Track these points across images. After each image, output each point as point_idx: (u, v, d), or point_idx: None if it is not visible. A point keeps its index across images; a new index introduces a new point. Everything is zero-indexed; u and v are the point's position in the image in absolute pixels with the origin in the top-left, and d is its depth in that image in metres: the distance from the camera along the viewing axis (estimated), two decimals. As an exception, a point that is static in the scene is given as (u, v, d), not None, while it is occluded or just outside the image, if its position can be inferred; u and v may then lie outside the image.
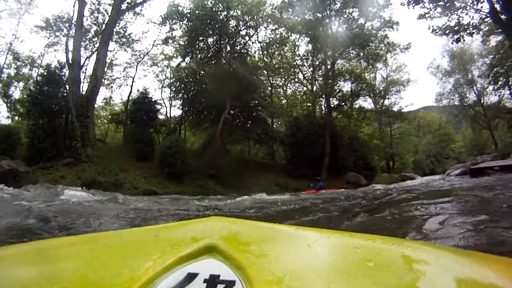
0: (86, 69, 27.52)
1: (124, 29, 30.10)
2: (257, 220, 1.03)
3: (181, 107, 31.66)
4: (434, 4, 26.71)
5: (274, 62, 36.14)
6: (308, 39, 34.70)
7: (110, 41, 27.25)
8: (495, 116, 41.59)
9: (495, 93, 41.90)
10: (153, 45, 32.29)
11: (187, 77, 28.86)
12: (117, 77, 32.67)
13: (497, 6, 22.56)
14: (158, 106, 29.33)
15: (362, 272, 0.65)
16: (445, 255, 0.77)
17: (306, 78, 36.77)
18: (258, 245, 0.80)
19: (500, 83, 38.47)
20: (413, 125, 56.91)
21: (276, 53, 35.98)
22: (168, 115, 33.85)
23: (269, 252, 0.75)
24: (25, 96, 24.24)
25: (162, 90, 34.42)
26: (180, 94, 30.86)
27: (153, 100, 27.25)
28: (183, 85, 30.15)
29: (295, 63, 36.19)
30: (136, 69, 32.42)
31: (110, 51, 28.31)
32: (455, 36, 27.28)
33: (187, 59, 30.95)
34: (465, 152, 47.03)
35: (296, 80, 37.60)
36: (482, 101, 44.72)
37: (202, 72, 27.57)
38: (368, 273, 0.65)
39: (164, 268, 0.67)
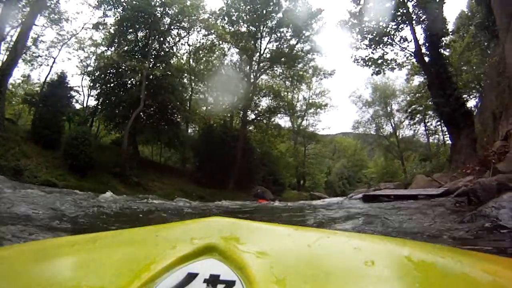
0: (11, 41, 26.15)
1: (56, 4, 29.02)
2: (257, 221, 1.08)
3: (96, 98, 31.48)
4: (362, 36, 29.73)
5: (200, 68, 36.80)
6: (237, 50, 36.37)
7: (40, 14, 26.31)
8: (408, 148, 46.79)
9: (410, 128, 47.18)
10: (82, 27, 31.69)
11: (107, 67, 28.62)
12: (39, 55, 31.23)
13: (423, 48, 25.60)
14: (74, 93, 29.03)
15: (362, 272, 0.68)
16: (445, 255, 0.78)
17: (229, 88, 37.17)
18: (258, 245, 0.81)
19: (416, 119, 43.30)
20: (330, 148, 61.70)
21: (204, 59, 36.80)
22: (84, 105, 32.97)
23: (269, 252, 0.77)
24: None
25: (83, 77, 33.59)
26: (98, 84, 30.57)
27: (69, 85, 26.86)
28: (102, 75, 30.01)
29: (221, 72, 37.27)
30: (60, 50, 31.35)
31: (37, 25, 27.28)
32: (376, 69, 30.53)
33: (113, 48, 30.54)
34: (376, 178, 50.75)
35: (219, 89, 38.10)
36: (397, 134, 49.73)
37: (124, 66, 27.48)
38: (368, 273, 0.67)
39: (164, 268, 0.69)
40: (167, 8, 30.39)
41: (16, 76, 32.25)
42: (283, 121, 47.66)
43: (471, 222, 3.97)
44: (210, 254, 0.76)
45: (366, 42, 29.71)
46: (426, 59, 25.16)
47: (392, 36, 28.66)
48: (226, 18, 35.59)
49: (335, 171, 65.49)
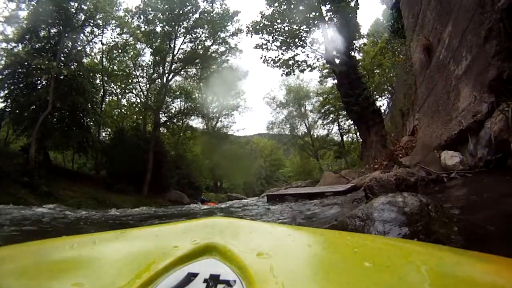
0: None
1: None
2: (257, 221, 0.94)
3: (3, 99, 29.16)
4: (273, 37, 31.37)
5: (113, 68, 36.56)
6: (151, 50, 36.66)
7: None
8: (322, 147, 49.72)
9: (324, 127, 50.43)
10: None
11: (16, 65, 27.39)
12: None
13: (334, 51, 27.44)
14: None
15: (362, 272, 0.69)
16: (445, 255, 0.80)
17: (142, 90, 38.27)
18: (258, 245, 0.81)
19: (329, 119, 46.43)
20: (246, 149, 63.25)
21: (118, 59, 36.62)
22: None
23: (269, 252, 0.77)
24: None
25: None
26: (6, 84, 28.52)
27: None
28: (11, 75, 28.24)
29: (134, 73, 37.47)
30: None
31: None
32: (286, 70, 32.30)
33: (23, 45, 29.31)
34: (294, 176, 53.01)
35: (133, 90, 38.55)
36: (311, 133, 52.76)
37: (33, 64, 26.62)
38: (368, 273, 0.68)
39: (164, 268, 0.71)
40: (82, 3, 29.97)
41: None
42: (197, 122, 49.43)
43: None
44: (210, 254, 0.80)
45: (277, 43, 31.46)
46: (337, 60, 27.16)
47: (303, 38, 30.71)
48: (142, 17, 35.86)
49: (252, 172, 67.22)
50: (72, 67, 29.73)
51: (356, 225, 2.66)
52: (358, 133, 37.91)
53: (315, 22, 29.12)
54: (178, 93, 38.67)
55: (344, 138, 47.75)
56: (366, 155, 23.76)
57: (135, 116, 38.63)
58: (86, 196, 26.09)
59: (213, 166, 49.01)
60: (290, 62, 31.94)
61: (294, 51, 31.68)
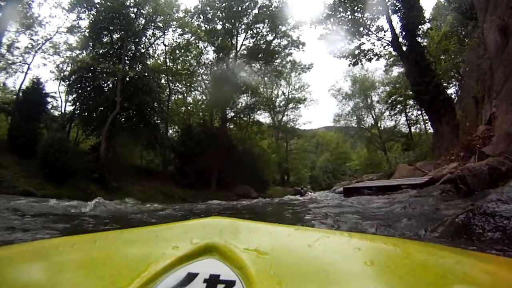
0: None
1: (28, 9, 28.47)
2: (257, 221, 1.08)
3: (72, 103, 30.71)
4: (337, 27, 30.12)
5: (177, 68, 36.76)
6: (214, 48, 36.43)
7: (11, 20, 26.29)
8: (390, 139, 47.50)
9: (391, 118, 47.88)
10: (56, 31, 30.67)
11: (82, 70, 28.18)
12: (13, 62, 30.28)
13: (400, 37, 26.17)
14: (50, 100, 28.67)
15: (362, 272, 0.69)
16: (445, 255, 0.80)
17: (207, 87, 38.27)
18: (258, 245, 0.82)
19: (397, 109, 44.04)
20: (312, 143, 62.40)
21: (181, 58, 36.69)
22: (62, 111, 32.29)
23: (269, 252, 0.78)
24: None
25: (60, 83, 32.79)
26: (74, 89, 29.84)
27: (44, 91, 26.43)
28: (78, 80, 29.30)
29: (198, 71, 37.48)
30: (35, 56, 30.37)
31: (9, 31, 27.04)
32: (353, 60, 30.94)
33: (88, 51, 30.18)
34: (360, 170, 51.04)
35: (198, 88, 38.88)
36: (378, 125, 50.71)
37: (99, 68, 27.06)
38: (368, 273, 0.69)
39: (164, 268, 0.71)
40: (141, 8, 30.09)
41: None
42: (263, 117, 47.91)
43: (468, 222, 3.09)
44: (210, 254, 0.79)
45: (342, 33, 30.24)
46: (404, 48, 25.81)
47: (368, 26, 29.15)
48: (202, 17, 35.63)
49: (319, 165, 66.38)
50: (137, 69, 29.88)
51: (498, 208, 2.63)
52: (426, 124, 35.99)
53: (379, 9, 27.49)
54: (243, 88, 37.77)
55: (412, 129, 45.54)
56: (438, 146, 22.41)
57: (201, 113, 38.80)
58: (154, 190, 26.27)
59: (280, 160, 48.53)
60: (356, 52, 30.44)
61: (360, 40, 30.14)
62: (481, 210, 2.86)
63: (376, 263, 0.73)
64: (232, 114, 38.62)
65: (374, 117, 50.94)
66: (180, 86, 38.59)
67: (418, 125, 44.86)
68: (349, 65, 32.46)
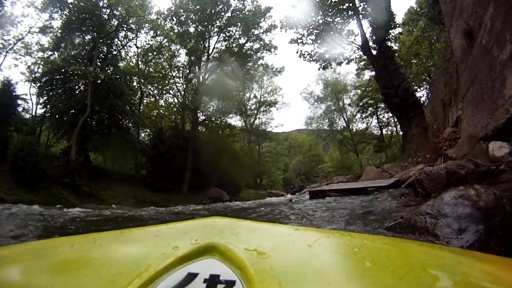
0: None
1: (1, 7, 27.86)
2: (257, 221, 1.09)
3: (43, 105, 30.31)
4: (308, 31, 30.42)
5: (149, 70, 36.76)
6: (186, 51, 36.47)
7: None
8: (362, 141, 48.09)
9: (363, 121, 48.16)
10: (28, 31, 30.24)
11: (53, 72, 28.15)
12: None
13: (370, 41, 26.40)
14: (21, 102, 28.54)
15: (362, 272, 0.70)
16: (445, 255, 0.79)
17: (179, 90, 38.28)
18: (258, 245, 0.81)
19: (368, 112, 44.77)
20: (285, 145, 62.85)
21: (153, 61, 36.80)
22: (33, 114, 32.52)
23: (269, 252, 0.78)
24: None
25: (31, 85, 32.62)
26: (45, 91, 29.57)
27: (15, 94, 26.46)
28: (49, 82, 29.11)
29: (170, 74, 37.45)
30: (6, 56, 29.88)
31: None
32: (323, 64, 31.29)
33: (59, 53, 30.03)
34: (333, 171, 51.63)
35: (169, 91, 38.81)
36: (350, 127, 50.91)
37: (70, 70, 26.92)
38: (368, 273, 0.69)
39: (164, 268, 0.71)
40: (114, 10, 30.09)
41: None
42: (235, 120, 48.40)
43: (412, 222, 3.02)
44: (210, 254, 0.79)
45: (312, 37, 30.33)
46: (374, 52, 26.02)
47: (338, 30, 29.57)
48: (175, 19, 35.80)
49: (292, 168, 67.00)
50: (109, 71, 30.06)
51: (426, 222, 2.59)
52: (398, 126, 36.70)
53: (349, 13, 27.99)
54: (215, 91, 37.85)
55: (384, 131, 46.09)
56: (407, 148, 22.91)
57: (173, 116, 38.68)
58: (127, 195, 26.25)
59: (253, 163, 48.69)
60: (327, 56, 30.85)
61: (330, 44, 30.58)
62: (409, 223, 2.89)
63: (376, 263, 0.74)
64: (204, 117, 38.84)
65: (346, 119, 51.04)
66: (152, 88, 38.62)
67: (390, 127, 45.46)
68: (319, 69, 32.45)
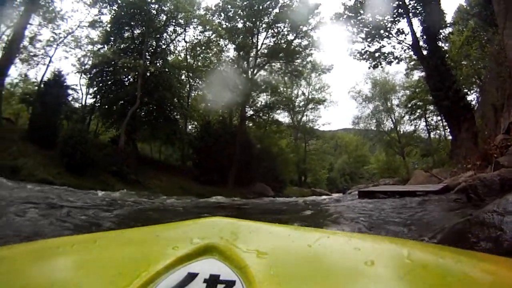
0: (7, 40, 26.01)
1: (51, 3, 28.73)
2: (257, 221, 1.07)
3: (93, 96, 31.45)
4: (358, 29, 29.67)
5: (198, 64, 36.67)
6: (234, 46, 36.33)
7: (34, 14, 26.46)
8: (409, 143, 46.48)
9: (411, 123, 46.25)
10: (78, 26, 31.08)
11: (103, 64, 29.15)
12: (36, 54, 30.81)
13: (421, 41, 25.51)
14: (71, 92, 29.20)
15: (362, 272, 0.68)
16: (445, 255, 0.79)
17: (227, 85, 36.60)
18: (258, 245, 0.81)
19: (417, 114, 43.14)
20: (331, 144, 61.66)
21: (201, 55, 36.64)
22: (83, 103, 32.78)
23: (269, 252, 0.78)
24: None
25: (80, 76, 33.51)
26: (95, 82, 30.53)
27: (65, 84, 26.73)
28: (99, 73, 30.06)
29: (218, 68, 36.94)
30: (56, 49, 30.90)
31: (31, 24, 27.25)
32: (373, 62, 30.40)
33: (109, 46, 30.64)
34: (378, 173, 50.24)
35: (218, 85, 37.10)
36: (398, 129, 49.25)
37: (120, 63, 27.40)
38: (368, 273, 0.68)
39: (164, 268, 0.70)
40: (162, 5, 30.26)
41: (14, 75, 32.31)
42: (282, 116, 47.45)
43: (464, 231, 3.08)
44: (210, 254, 0.78)
45: (362, 35, 29.60)
46: (424, 52, 25.02)
47: (388, 29, 28.51)
48: (223, 14, 35.56)
49: (337, 167, 65.78)
50: (158, 64, 30.45)
51: (493, 218, 2.68)
52: (446, 130, 35.19)
53: (400, 12, 26.94)
54: (263, 87, 37.69)
55: (432, 135, 44.35)
56: (456, 154, 21.53)
57: (220, 110, 38.35)
58: (173, 185, 25.92)
59: (298, 160, 48.02)
60: (377, 54, 29.81)
61: (380, 43, 29.56)
62: (478, 220, 2.91)
63: (376, 263, 0.71)
64: (252, 112, 38.39)
65: (394, 121, 49.59)
66: (200, 82, 38.54)
67: (438, 131, 43.71)
68: (369, 68, 31.67)
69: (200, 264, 0.73)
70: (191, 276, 0.67)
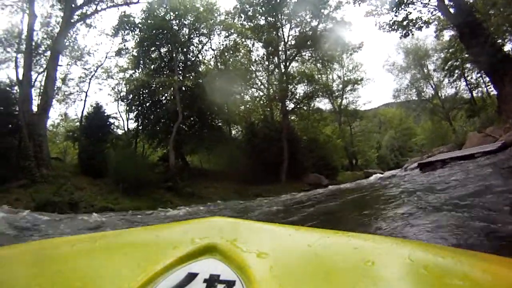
0: (41, 85, 26.75)
1: (74, 42, 29.60)
2: (257, 221, 1.09)
3: (135, 120, 31.84)
4: (381, 1, 28.16)
5: (229, 69, 35.52)
6: (261, 44, 35.45)
7: (61, 55, 26.77)
8: (453, 107, 43.96)
9: (451, 86, 44.04)
10: (106, 57, 31.87)
11: (139, 88, 28.99)
12: (71, 92, 31.98)
13: (445, 0, 23.96)
14: (113, 120, 29.33)
15: (362, 272, 0.67)
16: (445, 255, 0.77)
17: (262, 83, 37.35)
18: (258, 245, 0.81)
19: (455, 75, 40.55)
20: (375, 122, 59.38)
21: (231, 60, 35.87)
22: (125, 129, 33.42)
23: (269, 252, 0.77)
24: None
25: (118, 103, 34.04)
26: (134, 107, 31.11)
27: (106, 114, 27.25)
28: (136, 97, 30.50)
29: (250, 69, 36.52)
30: (90, 83, 31.64)
31: (61, 65, 27.68)
32: (403, 31, 28.74)
33: (140, 70, 31.06)
34: (427, 144, 47.94)
35: (253, 85, 37.87)
36: (439, 94, 46.96)
37: (155, 83, 27.70)
38: (368, 273, 0.67)
39: (164, 268, 0.69)
40: (182, 19, 30.01)
41: (54, 116, 34.67)
42: (323, 104, 46.25)
43: None
44: (210, 254, 0.76)
45: (387, 6, 28.18)
46: (451, 10, 23.58)
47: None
48: (243, 15, 34.73)
49: (384, 145, 62.88)
50: (191, 77, 30.31)
51: None
52: (489, 86, 33.57)
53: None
54: (298, 78, 36.42)
55: (474, 93, 41.43)
56: (504, 109, 20.02)
57: (261, 110, 37.85)
58: (228, 190, 25.70)
59: (346, 144, 46.44)
60: (405, 23, 28.08)
61: (406, 10, 27.83)
62: None
63: (376, 263, 0.70)
64: (292, 105, 37.11)
65: (433, 86, 47.26)
66: (235, 86, 37.37)
67: (480, 89, 40.79)
68: (401, 38, 30.11)
69: (200, 264, 0.72)
70: (191, 276, 0.67)
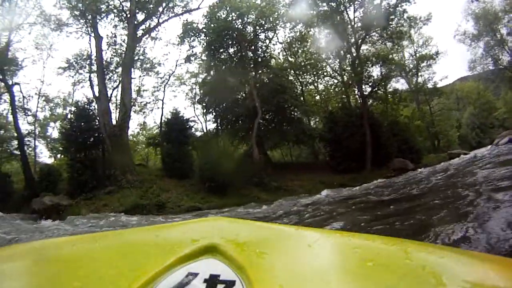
0: (116, 99, 28.51)
1: (144, 55, 30.42)
2: (257, 221, 0.99)
3: (213, 120, 32.71)
4: None
5: (299, 60, 35.44)
6: (328, 30, 34.02)
7: (132, 68, 27.77)
8: (534, 72, 39.14)
9: (529, 48, 38.26)
10: (176, 65, 32.32)
11: (214, 90, 29.24)
12: (147, 102, 33.58)
13: None
14: (191, 123, 29.90)
15: (362, 272, 0.66)
16: (445, 255, 0.74)
17: (335, 70, 36.04)
18: (258, 245, 0.79)
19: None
20: (452, 99, 54.85)
21: (300, 51, 35.28)
22: (204, 130, 34.66)
23: (269, 252, 0.75)
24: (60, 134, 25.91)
25: (194, 107, 35.55)
26: (211, 109, 31.52)
27: (184, 118, 27.77)
28: (212, 99, 30.61)
29: (320, 57, 35.34)
30: (164, 91, 32.67)
31: (134, 78, 28.85)
32: None
33: (212, 72, 31.35)
34: (510, 117, 43.98)
35: (325, 74, 36.73)
36: (517, 60, 41.22)
37: (229, 83, 27.81)
38: (368, 273, 0.65)
39: (164, 268, 0.67)
40: (245, 18, 29.47)
41: (133, 126, 36.35)
42: (400, 84, 43.25)
43: None
44: (210, 254, 0.75)
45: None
46: None
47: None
48: (303, 5, 32.88)
49: (464, 122, 57.95)
50: (264, 72, 30.29)
51: None
52: None
53: None
54: (372, 59, 34.32)
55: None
56: None
57: (337, 97, 36.89)
58: (313, 182, 24.66)
59: (427, 125, 43.43)
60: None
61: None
62: None
63: (376, 263, 0.70)
64: (369, 89, 34.62)
65: (510, 52, 41.99)
66: (308, 76, 37.30)
67: None
68: (472, 1, 27.15)
69: (200, 264, 0.72)
70: (191, 276, 0.66)
